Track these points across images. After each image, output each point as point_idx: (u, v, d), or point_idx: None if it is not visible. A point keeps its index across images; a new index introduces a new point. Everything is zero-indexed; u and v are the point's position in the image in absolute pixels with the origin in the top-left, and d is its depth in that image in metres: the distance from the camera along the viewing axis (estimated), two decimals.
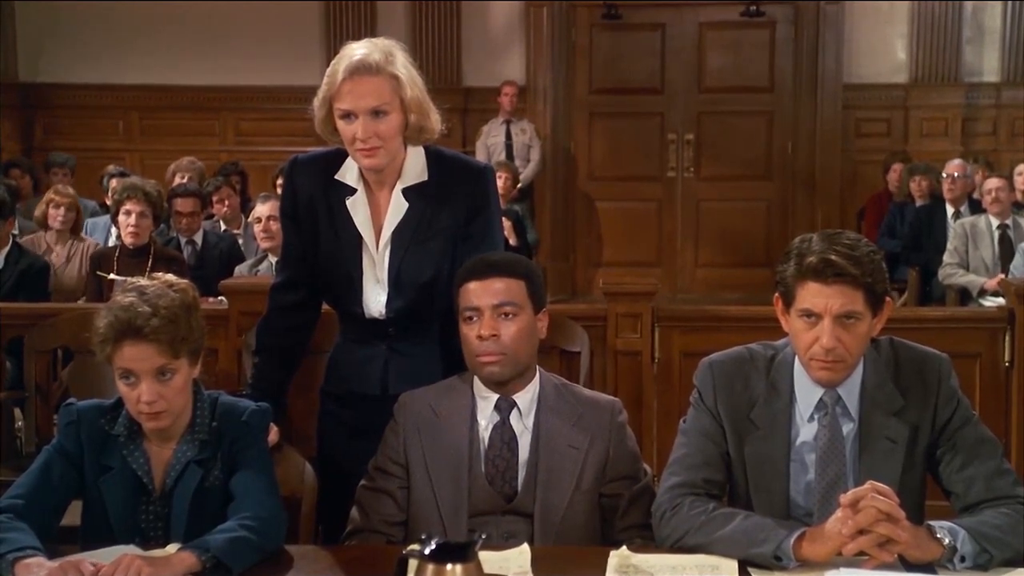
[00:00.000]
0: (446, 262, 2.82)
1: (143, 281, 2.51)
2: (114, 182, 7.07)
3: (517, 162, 9.33)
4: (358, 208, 2.85)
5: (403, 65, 2.74)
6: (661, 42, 9.91)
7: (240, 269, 5.57)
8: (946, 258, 6.56)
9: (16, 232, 6.52)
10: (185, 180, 7.02)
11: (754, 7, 9.36)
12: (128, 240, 5.33)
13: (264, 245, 5.40)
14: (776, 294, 2.44)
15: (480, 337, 2.59)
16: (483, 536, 1.91)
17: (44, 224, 6.16)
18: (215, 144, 9.83)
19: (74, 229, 6.14)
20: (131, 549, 2.31)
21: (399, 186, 2.84)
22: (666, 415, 4.48)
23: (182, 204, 6.08)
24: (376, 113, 2.69)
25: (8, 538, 2.24)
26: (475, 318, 2.61)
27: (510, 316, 2.60)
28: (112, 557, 2.20)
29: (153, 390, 2.40)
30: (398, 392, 2.75)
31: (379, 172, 2.81)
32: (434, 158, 2.85)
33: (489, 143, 9.33)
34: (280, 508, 2.45)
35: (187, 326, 2.45)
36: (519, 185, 9.19)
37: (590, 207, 10.12)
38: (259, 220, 5.41)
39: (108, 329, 2.40)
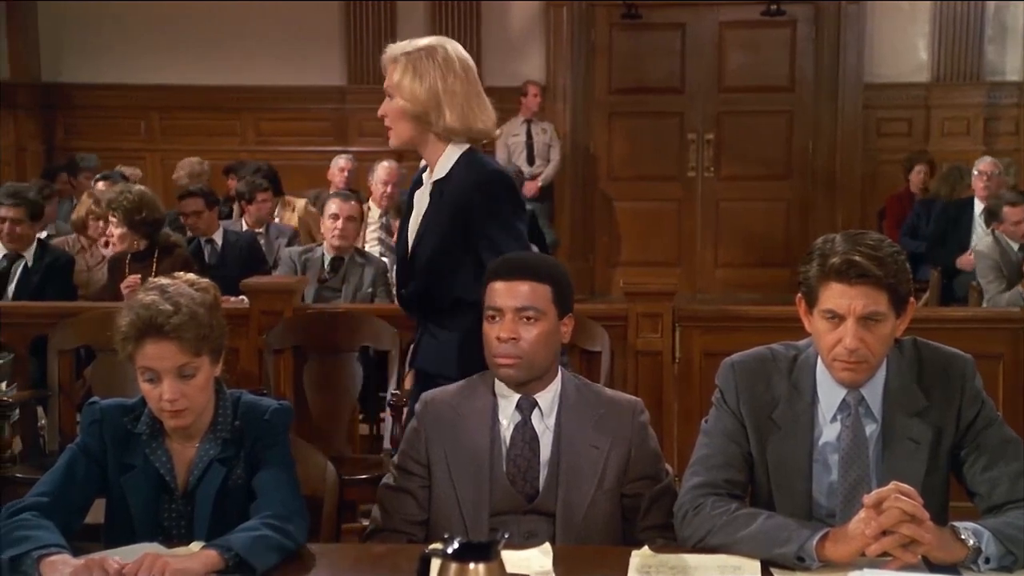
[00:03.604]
0: (458, 255, 3.01)
1: (164, 280, 2.51)
2: (100, 185, 7.08)
3: (537, 162, 9.33)
4: (418, 199, 3.17)
5: (408, 67, 2.98)
6: (681, 42, 9.89)
7: (291, 252, 5.58)
8: (990, 286, 6.32)
9: (54, 232, 6.59)
10: (188, 179, 7.07)
11: (775, 6, 9.32)
12: (114, 251, 5.40)
13: (334, 243, 5.38)
14: (798, 295, 2.43)
15: (499, 339, 2.58)
16: (506, 535, 1.90)
17: (82, 228, 6.19)
18: (235, 144, 9.86)
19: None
20: (154, 547, 2.31)
21: (432, 178, 3.10)
22: (686, 415, 4.48)
23: (184, 205, 6.20)
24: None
25: (33, 536, 2.25)
26: (497, 318, 2.60)
27: (532, 320, 2.59)
28: (136, 555, 2.20)
29: (175, 388, 2.40)
30: (419, 368, 3.12)
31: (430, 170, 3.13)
32: (463, 160, 3.04)
33: (510, 143, 9.33)
34: (303, 507, 2.45)
35: (209, 324, 2.45)
36: (540, 185, 9.20)
37: (609, 207, 10.11)
38: (335, 217, 5.38)
39: (130, 327, 2.41)
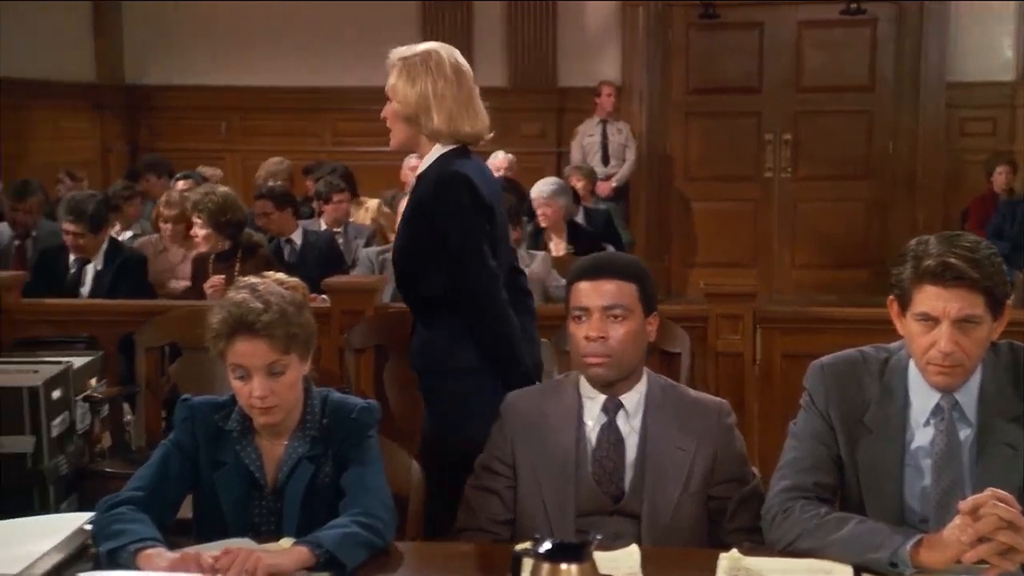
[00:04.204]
0: (423, 254, 3.13)
1: (254, 279, 2.55)
2: (180, 184, 7.23)
3: (612, 162, 9.32)
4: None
5: (403, 71, 3.11)
6: (759, 41, 9.81)
7: (369, 252, 5.63)
8: None
9: (139, 232, 6.70)
10: (264, 179, 7.14)
11: (855, 5, 9.20)
12: (200, 250, 5.45)
13: None
14: (891, 296, 2.40)
15: (588, 338, 2.58)
16: (598, 536, 1.90)
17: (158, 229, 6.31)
18: (314, 144, 9.96)
19: (188, 229, 6.24)
20: (245, 542, 2.34)
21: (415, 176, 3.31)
22: (767, 417, 4.43)
23: (256, 206, 6.26)
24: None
25: (130, 529, 2.29)
26: (584, 318, 2.60)
27: (619, 319, 2.59)
28: None
29: (265, 385, 2.44)
30: (411, 366, 3.29)
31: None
32: (438, 159, 3.15)
33: (585, 143, 9.33)
34: (391, 505, 2.46)
35: (297, 323, 2.48)
36: (615, 185, 9.18)
37: (685, 207, 10.06)
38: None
39: (221, 325, 2.45)
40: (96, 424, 4.28)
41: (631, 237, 8.78)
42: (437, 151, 3.16)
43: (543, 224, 6.43)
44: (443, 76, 3.10)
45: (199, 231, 5.35)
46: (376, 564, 2.33)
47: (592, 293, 2.60)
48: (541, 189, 6.51)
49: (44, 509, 3.86)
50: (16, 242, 6.58)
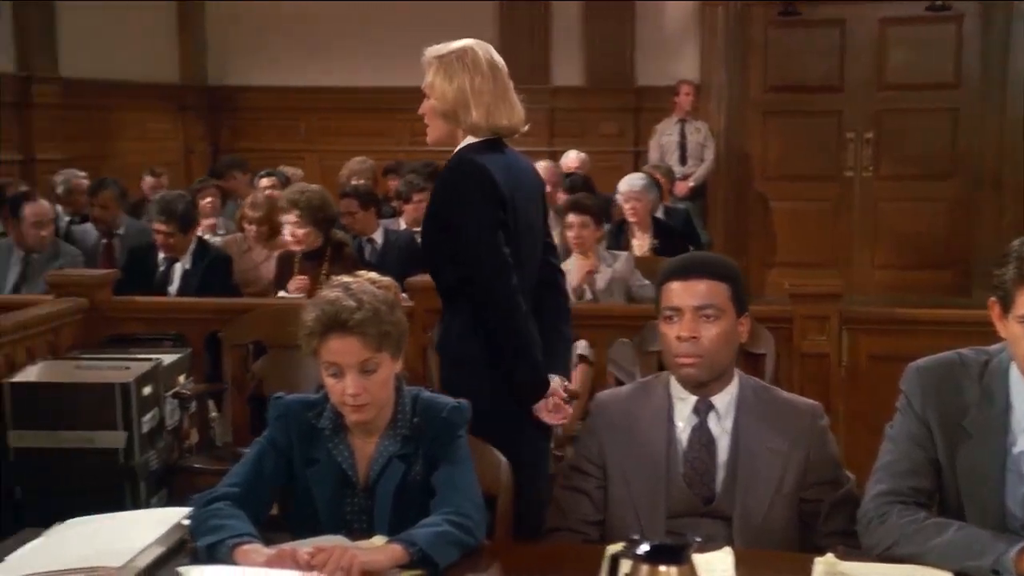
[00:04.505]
0: (438, 242, 3.15)
1: (347, 278, 2.57)
2: (263, 181, 7.29)
3: (690, 162, 9.27)
4: None
5: (440, 68, 3.14)
6: (840, 39, 9.69)
7: None
8: None
9: (223, 231, 6.80)
10: (348, 178, 7.18)
11: (940, 2, 9.05)
12: (293, 247, 5.46)
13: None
14: (992, 298, 2.35)
15: (679, 338, 2.57)
16: (697, 539, 1.89)
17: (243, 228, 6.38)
18: (391, 144, 10.02)
19: (272, 230, 6.31)
20: (339, 539, 2.35)
21: None
22: (853, 419, 4.38)
23: (341, 205, 6.26)
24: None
25: (228, 524, 2.32)
26: (675, 318, 2.59)
27: (711, 319, 2.57)
28: None
29: (358, 383, 2.45)
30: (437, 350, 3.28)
31: None
32: (457, 152, 3.19)
33: (663, 142, 9.29)
34: (481, 504, 2.47)
35: (390, 320, 2.50)
36: (692, 185, 9.12)
37: (764, 207, 9.97)
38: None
39: (315, 323, 2.47)
40: (185, 420, 4.35)
41: (709, 237, 8.72)
42: (467, 141, 3.21)
43: (631, 219, 6.42)
44: (479, 72, 3.14)
45: (296, 229, 5.32)
46: (468, 563, 2.33)
47: (684, 293, 2.58)
48: (632, 183, 6.51)
49: (135, 504, 3.93)
50: (103, 240, 6.71)
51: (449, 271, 3.13)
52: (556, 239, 6.70)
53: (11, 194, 6.57)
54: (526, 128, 3.27)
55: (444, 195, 3.15)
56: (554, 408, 3.09)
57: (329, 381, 2.49)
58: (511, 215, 3.11)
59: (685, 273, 2.61)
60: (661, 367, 4.17)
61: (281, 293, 5.31)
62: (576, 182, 7.57)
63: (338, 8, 9.89)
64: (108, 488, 3.94)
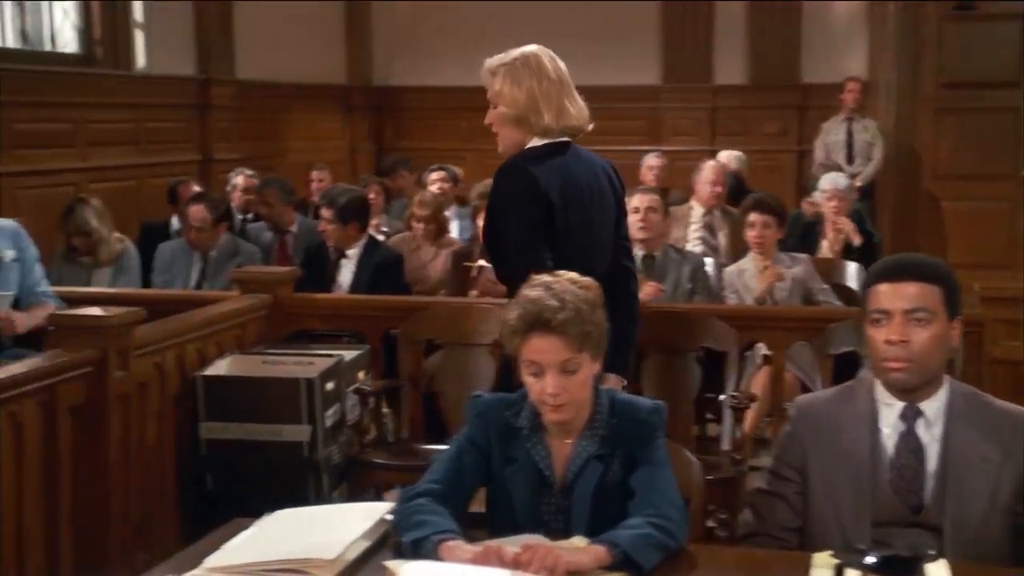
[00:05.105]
0: (489, 243, 3.35)
1: (548, 277, 2.57)
2: (433, 176, 7.49)
3: (857, 161, 9.07)
4: None
5: (507, 76, 3.24)
6: (1020, 33, 9.30)
7: None
8: None
9: (387, 230, 6.91)
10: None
11: None
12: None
13: (638, 236, 5.33)
14: None
15: (888, 342, 2.48)
16: (931, 552, 1.82)
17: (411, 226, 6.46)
18: None
19: (439, 228, 6.38)
20: (539, 539, 2.34)
21: None
22: None
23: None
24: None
25: (431, 520, 2.34)
26: (883, 321, 2.50)
27: (922, 323, 2.48)
28: None
29: (558, 383, 2.44)
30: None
31: None
32: (510, 158, 3.29)
33: (829, 141, 9.10)
34: (682, 505, 2.44)
35: (591, 321, 2.48)
36: (860, 184, 8.90)
37: (935, 207, 9.63)
38: (636, 211, 5.36)
39: (518, 321, 2.47)
40: (364, 416, 4.42)
41: (879, 237, 8.49)
42: (531, 143, 3.28)
43: (832, 217, 6.37)
44: (546, 75, 3.24)
45: (481, 223, 5.37)
46: (669, 566, 2.30)
47: (893, 296, 2.50)
48: (836, 181, 6.50)
49: (318, 497, 4.02)
50: (277, 238, 6.88)
51: (498, 268, 3.33)
52: (723, 239, 6.68)
53: (183, 193, 6.83)
54: (591, 127, 3.36)
55: (492, 199, 3.30)
56: None
57: (529, 380, 2.49)
58: (561, 216, 3.21)
59: (895, 275, 2.53)
60: (840, 370, 4.09)
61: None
62: (729, 181, 7.48)
63: (500, 8, 9.96)
64: (293, 480, 4.04)
